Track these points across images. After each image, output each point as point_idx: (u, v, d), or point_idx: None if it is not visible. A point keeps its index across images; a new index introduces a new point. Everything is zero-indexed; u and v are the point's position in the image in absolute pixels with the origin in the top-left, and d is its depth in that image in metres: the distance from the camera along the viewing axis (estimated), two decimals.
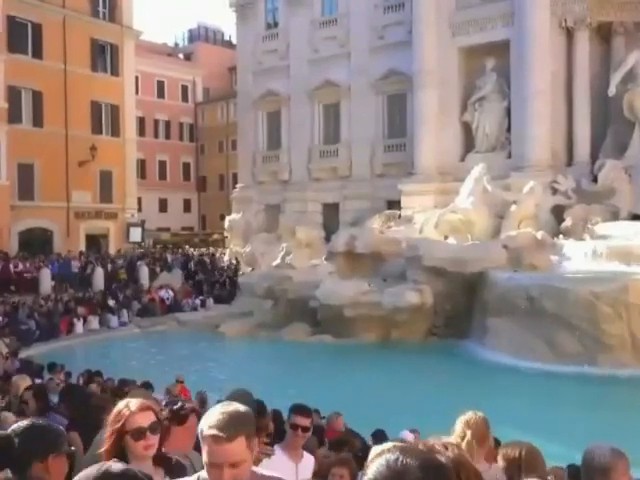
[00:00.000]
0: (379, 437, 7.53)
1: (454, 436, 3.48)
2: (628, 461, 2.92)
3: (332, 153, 30.78)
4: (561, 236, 20.96)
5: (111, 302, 23.57)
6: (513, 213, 21.81)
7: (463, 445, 3.42)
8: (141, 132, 44.05)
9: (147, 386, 10.28)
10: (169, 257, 31.72)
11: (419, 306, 19.19)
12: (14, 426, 2.55)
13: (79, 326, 21.44)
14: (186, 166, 52.69)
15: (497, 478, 3.18)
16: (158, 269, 29.15)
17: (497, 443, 4.16)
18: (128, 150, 34.09)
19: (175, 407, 3.61)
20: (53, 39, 30.17)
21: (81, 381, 11.73)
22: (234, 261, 30.56)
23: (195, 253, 34.84)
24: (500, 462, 2.92)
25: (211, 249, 37.28)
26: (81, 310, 22.27)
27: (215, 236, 44.20)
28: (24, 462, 2.47)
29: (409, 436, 7.97)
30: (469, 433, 3.45)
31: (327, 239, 26.55)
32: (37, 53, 29.92)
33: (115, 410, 2.88)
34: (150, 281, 27.47)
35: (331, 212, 30.35)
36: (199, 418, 3.36)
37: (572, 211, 21.77)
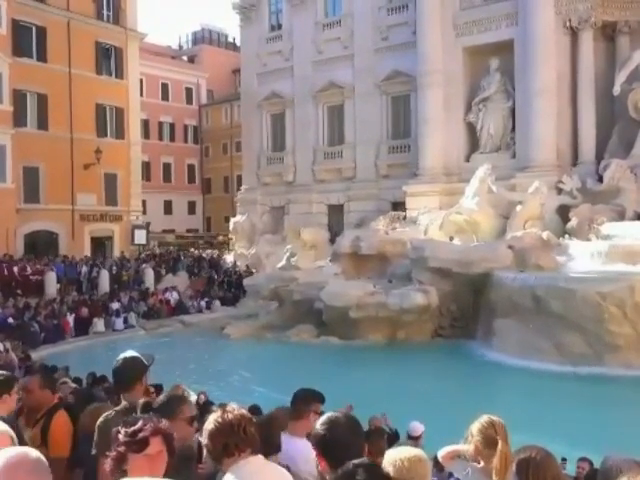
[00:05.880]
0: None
1: (464, 439, 3.47)
2: None
3: (336, 154, 30.79)
4: (567, 236, 20.90)
5: (116, 305, 23.58)
6: (518, 213, 21.76)
7: (471, 449, 3.40)
8: (145, 134, 44.11)
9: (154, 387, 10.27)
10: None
11: (425, 307, 19.14)
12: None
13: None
14: (191, 168, 52.80)
15: None
16: (163, 271, 29.18)
17: None
18: (133, 152, 34.14)
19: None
20: (58, 42, 30.22)
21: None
22: (239, 263, 30.57)
23: (206, 253, 35.02)
24: (513, 466, 2.89)
25: (216, 251, 37.33)
26: (84, 311, 22.26)
27: (220, 238, 44.26)
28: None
29: (419, 427, 8.00)
30: (477, 437, 3.43)
31: (332, 240, 26.58)
32: (42, 56, 29.96)
33: None
34: (155, 283, 27.50)
35: (336, 213, 30.36)
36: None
37: (578, 211, 21.71)
